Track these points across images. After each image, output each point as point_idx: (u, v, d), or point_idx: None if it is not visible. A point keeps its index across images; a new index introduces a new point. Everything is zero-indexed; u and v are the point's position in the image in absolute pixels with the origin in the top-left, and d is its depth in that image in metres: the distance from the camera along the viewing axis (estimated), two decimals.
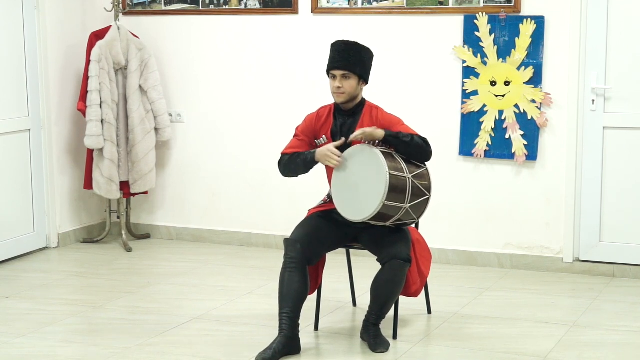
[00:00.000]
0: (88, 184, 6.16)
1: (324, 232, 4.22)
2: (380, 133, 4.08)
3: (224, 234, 6.34)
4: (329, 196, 4.36)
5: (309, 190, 5.63)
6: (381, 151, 4.01)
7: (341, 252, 4.57)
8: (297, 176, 4.34)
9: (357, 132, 4.08)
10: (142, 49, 6.15)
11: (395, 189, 3.95)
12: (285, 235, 4.37)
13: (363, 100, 4.29)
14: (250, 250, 6.17)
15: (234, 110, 6.24)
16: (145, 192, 6.36)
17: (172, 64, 6.34)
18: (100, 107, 5.98)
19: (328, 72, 4.22)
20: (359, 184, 4.04)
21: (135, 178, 6.18)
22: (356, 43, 4.22)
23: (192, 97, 6.34)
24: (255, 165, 6.22)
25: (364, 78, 4.21)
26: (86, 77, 6.00)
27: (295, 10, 5.96)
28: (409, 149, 4.10)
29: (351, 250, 4.63)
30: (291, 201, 6.07)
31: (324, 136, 4.28)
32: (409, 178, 4.02)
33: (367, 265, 4.95)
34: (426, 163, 4.19)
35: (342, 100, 4.20)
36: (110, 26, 6.09)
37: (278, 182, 6.00)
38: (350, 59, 4.14)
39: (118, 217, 6.34)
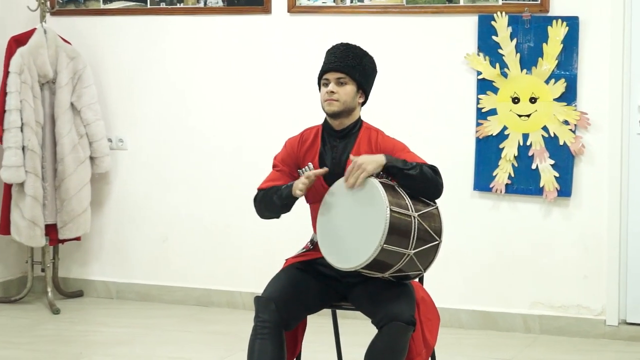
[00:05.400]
0: (4, 227, 6.16)
1: (305, 288, 4.13)
2: (379, 159, 4.03)
3: (177, 291, 6.31)
4: (312, 242, 4.28)
5: (287, 234, 5.63)
6: (380, 182, 3.95)
7: (326, 313, 4.44)
8: (277, 217, 4.24)
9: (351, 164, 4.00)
10: (75, 58, 6.16)
11: (398, 231, 3.86)
12: (256, 292, 4.30)
13: (360, 121, 4.22)
14: (210, 312, 6.14)
15: (190, 134, 6.25)
16: (78, 238, 6.33)
17: (112, 77, 6.36)
18: (21, 130, 5.99)
19: (319, 80, 4.19)
20: (352, 222, 3.96)
21: (65, 220, 6.14)
22: (359, 47, 4.22)
23: (137, 118, 6.35)
24: (216, 204, 6.22)
25: (363, 88, 4.16)
26: (3, 93, 6.01)
27: (267, 9, 5.98)
28: (414, 181, 4.02)
29: (338, 312, 4.51)
30: (263, 249, 6.05)
31: (309, 164, 4.19)
32: (414, 217, 3.95)
33: (358, 330, 4.83)
34: (436, 200, 4.12)
35: (334, 110, 4.12)
36: (35, 29, 6.09)
37: (246, 225, 6.04)
38: (349, 61, 4.12)
39: (43, 270, 6.29)
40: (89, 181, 6.20)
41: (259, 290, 4.17)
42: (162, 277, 6.35)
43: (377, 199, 3.88)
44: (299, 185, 4.04)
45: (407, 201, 3.95)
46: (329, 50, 4.21)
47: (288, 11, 5.94)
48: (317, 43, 5.77)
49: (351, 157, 4.05)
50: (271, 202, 4.18)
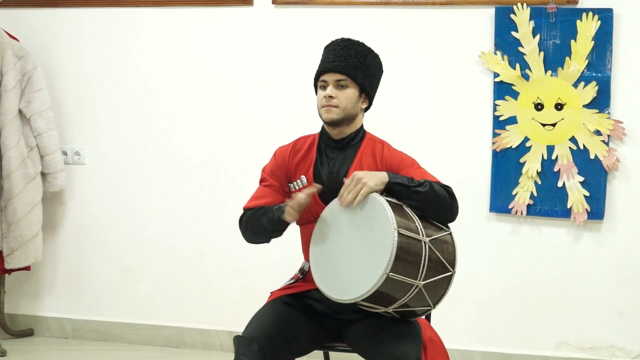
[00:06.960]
0: None
1: (293, 326, 4.13)
2: (381, 175, 3.99)
3: (143, 329, 6.31)
4: (303, 271, 4.29)
5: (272, 263, 5.73)
6: (387, 200, 3.92)
7: (317, 355, 4.48)
8: (267, 241, 4.26)
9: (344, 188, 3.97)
10: (24, 57, 6.18)
11: (406, 257, 3.84)
12: (236, 331, 4.27)
13: (362, 130, 4.25)
14: (183, 354, 6.13)
15: (161, 145, 6.28)
16: (27, 268, 6.32)
17: (67, 79, 6.38)
18: None
19: (316, 82, 4.20)
20: (352, 247, 3.95)
21: (12, 247, 6.15)
22: (362, 43, 4.21)
23: (97, 127, 6.36)
24: (190, 227, 6.22)
25: (366, 92, 4.19)
26: None
27: (248, 1, 6.04)
28: (423, 201, 4.02)
29: (332, 354, 4.55)
30: (244, 280, 6.08)
31: (302, 177, 4.23)
32: (425, 243, 3.93)
33: None
34: (449, 225, 4.10)
35: (333, 118, 4.14)
36: None
37: (225, 252, 6.10)
38: (351, 61, 4.13)
39: None
40: (40, 201, 6.20)
41: (240, 328, 4.15)
42: (125, 313, 6.34)
43: (383, 219, 3.86)
44: (289, 210, 4.00)
45: (417, 224, 3.95)
46: (327, 47, 4.23)
47: (273, 3, 5.98)
48: (305, 40, 5.90)
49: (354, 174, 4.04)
50: (260, 225, 4.18)
